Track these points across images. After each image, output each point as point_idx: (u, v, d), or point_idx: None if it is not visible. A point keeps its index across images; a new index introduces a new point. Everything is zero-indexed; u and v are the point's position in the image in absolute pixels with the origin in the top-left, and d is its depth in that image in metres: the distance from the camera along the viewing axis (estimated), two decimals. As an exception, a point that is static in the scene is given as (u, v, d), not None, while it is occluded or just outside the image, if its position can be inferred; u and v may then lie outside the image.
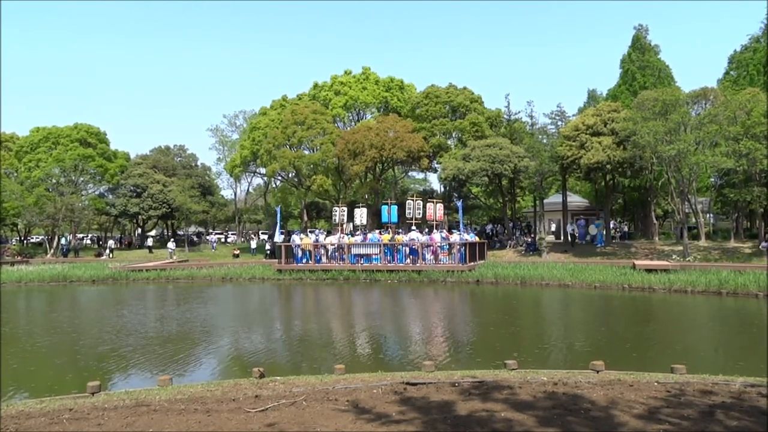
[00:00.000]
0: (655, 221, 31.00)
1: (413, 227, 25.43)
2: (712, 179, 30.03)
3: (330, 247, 25.37)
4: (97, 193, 44.21)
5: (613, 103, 28.65)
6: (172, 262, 29.59)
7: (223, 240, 51.21)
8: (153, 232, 52.75)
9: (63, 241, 40.36)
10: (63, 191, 39.12)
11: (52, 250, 38.63)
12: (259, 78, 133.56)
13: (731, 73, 33.19)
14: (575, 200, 38.47)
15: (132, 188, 40.99)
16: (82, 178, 41.72)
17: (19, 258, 35.53)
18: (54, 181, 40.28)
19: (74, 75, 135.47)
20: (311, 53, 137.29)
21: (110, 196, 42.65)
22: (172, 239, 39.16)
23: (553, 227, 38.59)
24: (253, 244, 37.45)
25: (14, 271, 27.07)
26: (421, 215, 27.28)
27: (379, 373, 6.57)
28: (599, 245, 27.86)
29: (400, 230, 28.61)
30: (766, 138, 22.63)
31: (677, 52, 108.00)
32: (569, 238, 27.74)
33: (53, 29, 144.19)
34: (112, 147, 44.35)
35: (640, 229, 34.03)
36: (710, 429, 4.08)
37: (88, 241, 51.42)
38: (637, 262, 21.78)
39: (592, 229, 28.30)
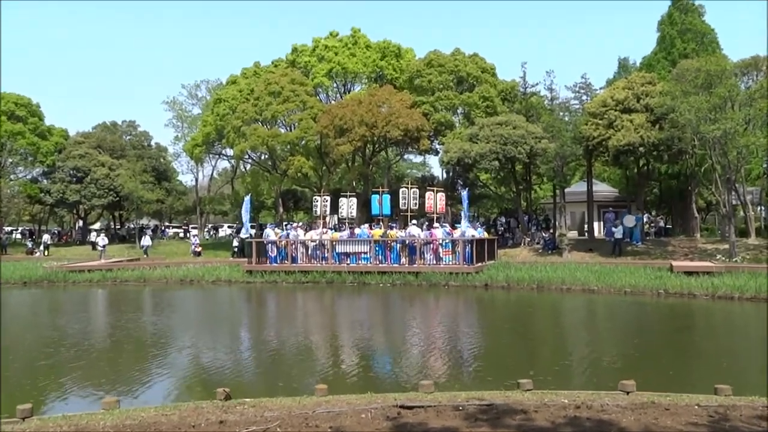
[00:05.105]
0: (696, 215, 31.23)
1: (413, 221, 25.44)
2: (765, 165, 30.28)
3: (310, 244, 25.34)
4: (28, 177, 43.79)
5: (648, 74, 28.68)
6: (111, 263, 28.92)
7: (182, 236, 51.00)
8: (97, 225, 52.45)
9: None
10: (-13, 175, 38.76)
11: (-26, 247, 38.27)
12: (227, 41, 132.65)
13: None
14: (602, 189, 38.62)
15: (71, 172, 40.64)
16: (10, 159, 41.30)
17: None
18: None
19: None
20: (290, 11, 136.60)
21: (45, 181, 42.29)
22: (101, 233, 38.47)
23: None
24: (146, 242, 35.63)
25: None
26: (418, 206, 27.25)
27: (369, 395, 6.56)
28: (636, 242, 28.00)
29: (394, 224, 28.59)
30: (828, 117, 22.82)
31: (724, 14, 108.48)
32: (613, 244, 27.34)
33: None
34: (47, 122, 43.97)
35: (678, 224, 34.24)
36: (760, 461, 4.11)
37: (18, 236, 51.00)
38: (674, 263, 21.93)
39: (629, 221, 28.28)
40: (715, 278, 19.44)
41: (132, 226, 47.13)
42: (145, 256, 33.70)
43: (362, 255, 24.53)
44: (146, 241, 35.59)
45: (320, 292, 21.60)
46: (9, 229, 50.58)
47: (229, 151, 42.60)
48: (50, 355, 10.93)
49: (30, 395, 8.16)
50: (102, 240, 34.38)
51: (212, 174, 57.95)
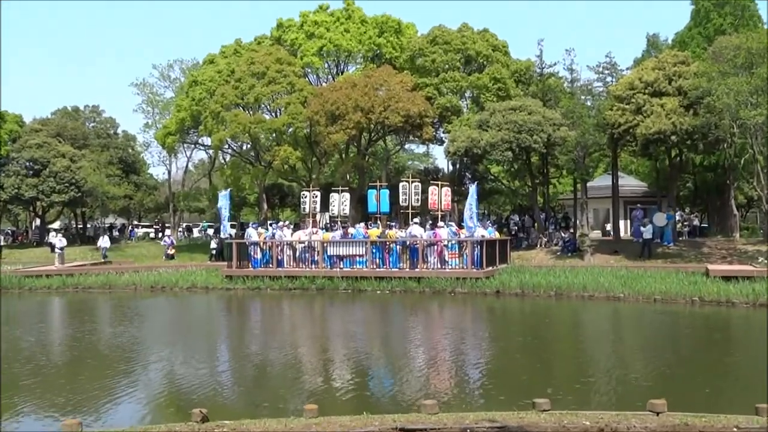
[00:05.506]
0: (735, 212, 31.24)
1: (414, 219, 25.44)
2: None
3: (298, 246, 25.33)
4: (-22, 170, 43.65)
5: (681, 53, 28.68)
6: (72, 267, 28.76)
7: (152, 236, 50.97)
8: (56, 224, 52.39)
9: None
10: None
11: None
12: (204, 15, 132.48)
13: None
14: (629, 183, 38.69)
15: (27, 164, 40.60)
16: (-43, 150, 41.16)
17: None
18: None
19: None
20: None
21: (-3, 175, 42.16)
22: (59, 234, 38.21)
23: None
24: (104, 242, 35.75)
25: None
26: (420, 203, 27.23)
27: (364, 416, 6.57)
28: (667, 243, 28.02)
29: (394, 223, 28.58)
30: None
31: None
32: (642, 245, 27.33)
33: None
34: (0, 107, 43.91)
35: (715, 222, 34.27)
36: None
37: (-33, 237, 50.97)
38: (710, 267, 21.95)
39: (660, 220, 28.27)
40: (756, 284, 19.41)
41: (98, 224, 47.10)
42: (103, 259, 33.65)
43: (357, 258, 24.50)
44: (104, 242, 35.38)
45: (310, 300, 21.56)
46: (-44, 228, 50.54)
47: (207, 140, 42.52)
48: (5, 371, 10.91)
49: (-20, 417, 8.15)
50: (59, 241, 34.09)
51: (187, 166, 57.98)
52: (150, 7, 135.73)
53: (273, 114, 36.72)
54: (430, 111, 32.29)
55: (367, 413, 6.88)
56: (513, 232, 33.12)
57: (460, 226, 26.04)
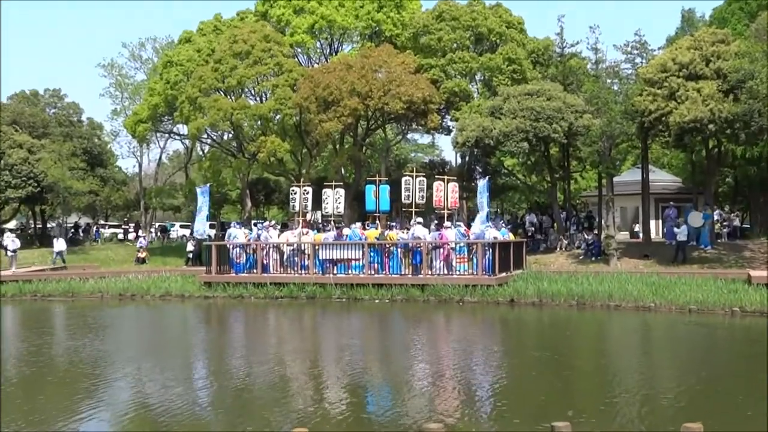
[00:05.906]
0: (781, 211, 31.22)
1: (418, 219, 25.42)
2: None
3: (286, 249, 25.31)
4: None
5: (720, 31, 28.62)
6: (29, 272, 28.70)
7: (121, 237, 50.95)
8: (12, 224, 52.31)
9: None
10: None
11: None
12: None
13: None
14: (661, 178, 38.64)
15: (-21, 155, 40.47)
16: None
17: None
18: None
19: None
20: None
21: (-55, 168, 42.09)
22: (12, 235, 37.94)
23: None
24: (59, 246, 34.91)
25: None
26: (424, 200, 27.20)
27: (360, 441, 6.57)
28: (704, 246, 27.99)
29: (394, 223, 28.56)
30: None
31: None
32: (675, 248, 27.29)
33: None
34: (-51, 91, 43.91)
35: (758, 222, 34.22)
36: None
37: None
38: (753, 273, 21.93)
39: (695, 220, 28.19)
40: (805, 292, 19.45)
41: (60, 223, 46.94)
42: (53, 264, 33.56)
43: (353, 262, 24.49)
44: (60, 245, 35.22)
45: (299, 310, 21.54)
46: None
47: (183, 129, 42.53)
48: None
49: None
50: (12, 243, 33.94)
51: (160, 158, 58.03)
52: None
53: (258, 99, 36.70)
54: (436, 96, 32.24)
55: (364, 438, 6.89)
56: (529, 234, 33.05)
57: (469, 227, 26.02)
